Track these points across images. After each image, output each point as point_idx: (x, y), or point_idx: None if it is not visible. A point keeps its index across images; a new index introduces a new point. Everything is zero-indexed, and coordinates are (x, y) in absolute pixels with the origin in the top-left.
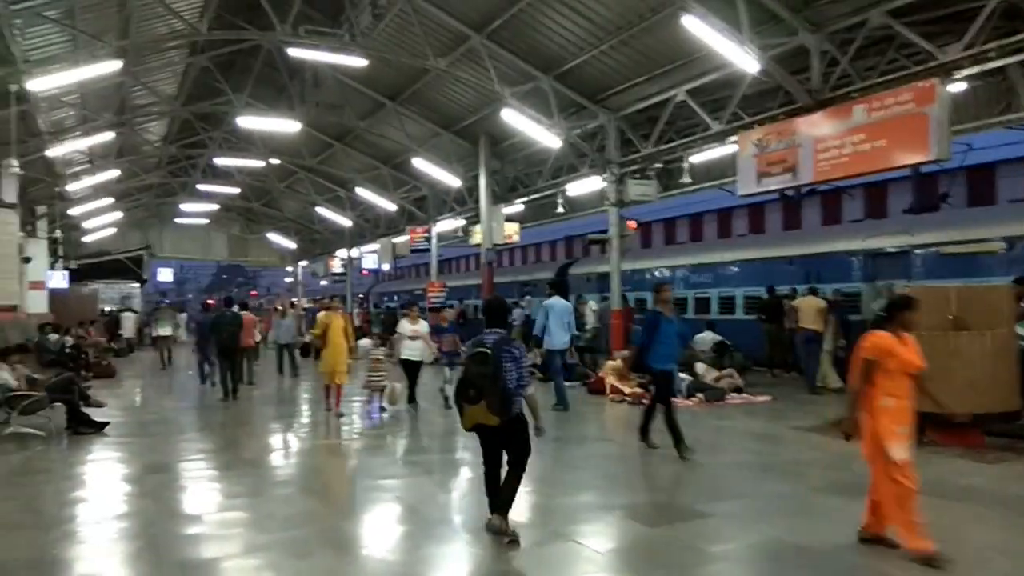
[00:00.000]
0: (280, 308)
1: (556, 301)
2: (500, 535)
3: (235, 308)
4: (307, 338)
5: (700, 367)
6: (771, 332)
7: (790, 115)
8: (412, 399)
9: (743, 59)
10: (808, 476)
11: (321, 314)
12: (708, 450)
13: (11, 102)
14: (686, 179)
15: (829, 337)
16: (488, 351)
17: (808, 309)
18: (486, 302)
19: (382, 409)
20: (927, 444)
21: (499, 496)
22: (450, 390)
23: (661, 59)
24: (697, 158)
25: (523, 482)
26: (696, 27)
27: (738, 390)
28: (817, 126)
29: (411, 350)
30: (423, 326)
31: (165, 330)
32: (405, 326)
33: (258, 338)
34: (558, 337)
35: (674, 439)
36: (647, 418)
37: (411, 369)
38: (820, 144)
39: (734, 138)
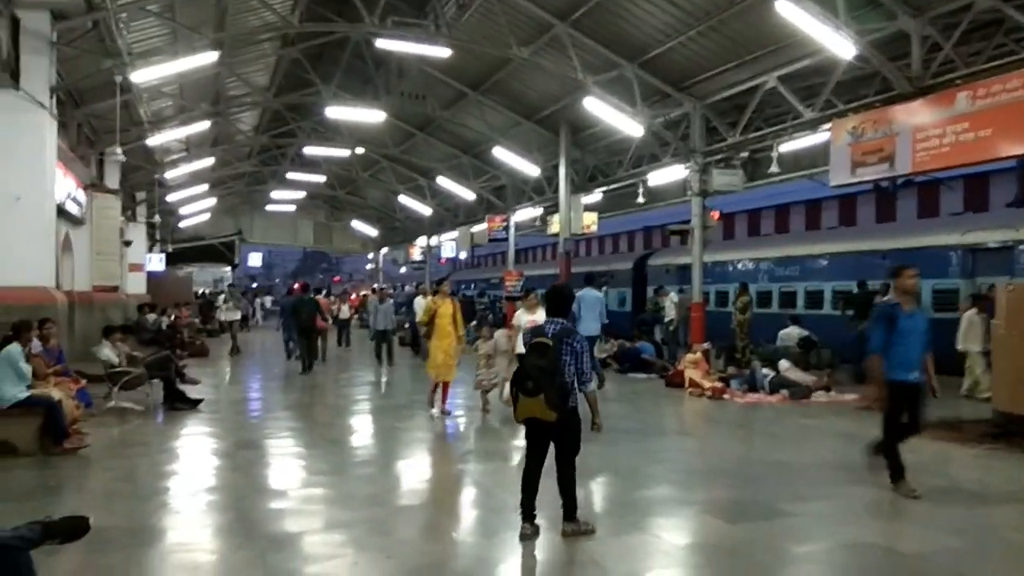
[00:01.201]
0: (375, 293)
1: (587, 292)
2: (577, 536)
3: (312, 294)
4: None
5: (784, 363)
6: (861, 328)
7: (887, 103)
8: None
9: (839, 44)
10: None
11: (427, 299)
12: (792, 449)
13: (116, 92)
14: (774, 168)
15: (978, 338)
16: (548, 343)
17: None
18: (550, 289)
19: (444, 412)
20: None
21: (563, 503)
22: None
23: (751, 45)
24: (786, 147)
25: (601, 474)
26: (790, 12)
27: (826, 388)
28: (916, 114)
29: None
30: (542, 315)
31: (232, 315)
32: (522, 316)
33: (330, 321)
34: (587, 325)
35: (891, 471)
36: (890, 452)
37: None
38: (919, 133)
39: (827, 126)
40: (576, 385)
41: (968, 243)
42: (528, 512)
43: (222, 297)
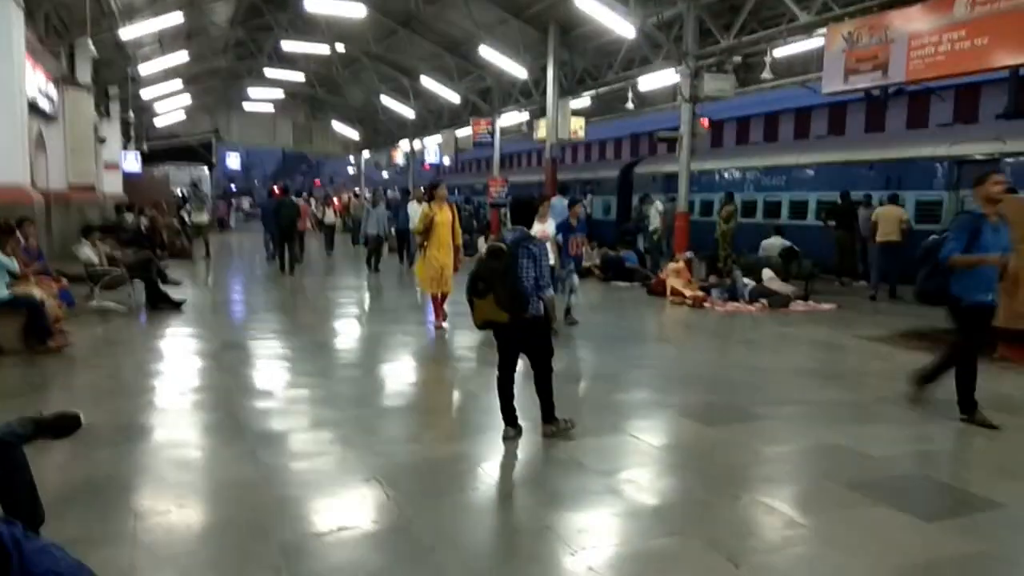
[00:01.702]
0: (360, 197)
1: (557, 201)
2: (557, 436)
3: (292, 197)
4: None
5: (767, 273)
6: (841, 239)
7: (885, 7)
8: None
9: None
10: (871, 385)
11: (423, 206)
12: (768, 356)
13: None
14: (766, 74)
15: None
16: (503, 247)
17: (889, 219)
18: (512, 199)
19: (439, 327)
20: (997, 360)
21: (516, 416)
22: (574, 301)
23: None
24: (779, 52)
25: (582, 378)
26: None
27: (803, 298)
28: (913, 20)
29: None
30: (551, 226)
31: (200, 218)
32: (533, 226)
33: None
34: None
35: (964, 402)
36: (967, 381)
37: None
38: (915, 40)
39: (822, 31)
40: (534, 289)
41: (955, 155)
42: (508, 415)
43: (188, 202)
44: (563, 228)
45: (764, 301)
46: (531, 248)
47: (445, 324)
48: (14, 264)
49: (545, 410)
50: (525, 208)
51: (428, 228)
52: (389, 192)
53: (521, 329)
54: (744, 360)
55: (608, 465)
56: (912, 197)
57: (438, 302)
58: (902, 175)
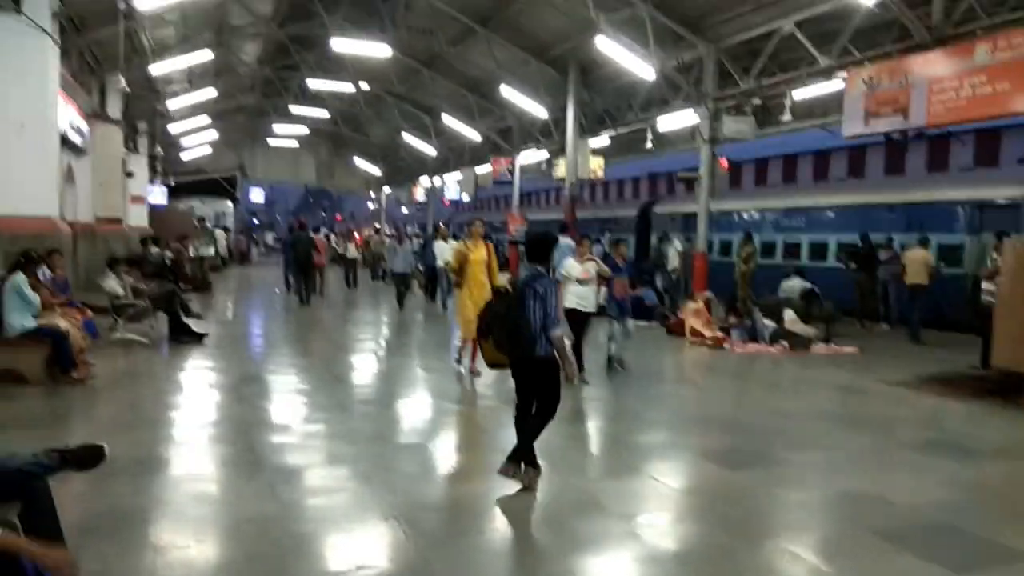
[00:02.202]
0: (380, 232)
1: (561, 240)
2: (511, 478)
3: (309, 232)
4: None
5: (788, 314)
6: (862, 282)
7: (904, 52)
8: (580, 365)
9: None
10: (895, 431)
11: (458, 244)
12: (790, 399)
13: (118, 19)
14: (786, 117)
15: None
16: (508, 288)
17: (916, 262)
18: (529, 236)
19: (474, 372)
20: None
21: (517, 442)
22: (615, 348)
23: None
24: (799, 95)
25: (601, 417)
26: None
27: (825, 340)
28: (934, 65)
29: (581, 298)
30: (592, 266)
31: (207, 250)
32: (573, 265)
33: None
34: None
35: None
36: None
37: (579, 324)
38: (936, 85)
39: (842, 75)
40: (541, 330)
41: (977, 199)
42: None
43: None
44: (611, 271)
45: (785, 343)
46: (536, 287)
47: (479, 369)
48: (37, 302)
49: (518, 449)
50: (540, 245)
51: (463, 267)
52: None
53: (529, 369)
54: (765, 403)
55: (628, 508)
56: (934, 240)
57: (475, 347)
58: (924, 218)
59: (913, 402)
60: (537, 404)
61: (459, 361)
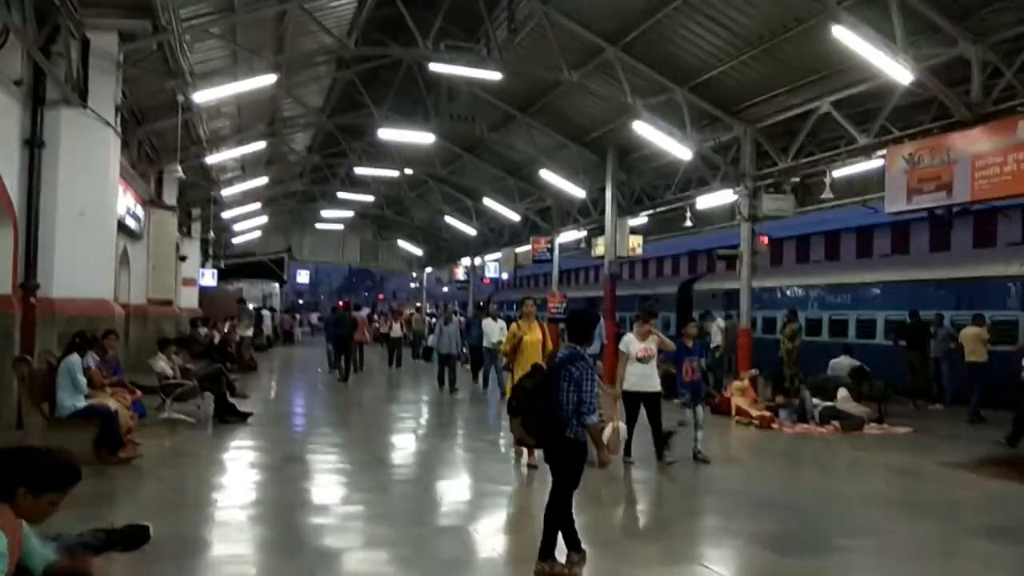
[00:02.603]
0: (422, 311)
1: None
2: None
3: (351, 311)
4: (429, 341)
5: (842, 392)
6: (913, 360)
7: (945, 130)
8: (628, 450)
9: (896, 70)
10: (956, 516)
11: (513, 324)
12: (844, 482)
13: (177, 111)
14: (827, 194)
15: None
16: (542, 365)
17: (972, 339)
18: (569, 314)
19: (532, 465)
20: None
21: (578, 538)
22: (700, 437)
23: (804, 70)
24: (839, 173)
25: (647, 501)
26: (846, 37)
27: (878, 420)
28: (976, 142)
29: (641, 376)
30: (654, 341)
31: (245, 332)
32: (631, 341)
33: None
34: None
35: None
36: None
37: (642, 404)
38: (979, 161)
39: (881, 152)
40: (574, 414)
41: None
42: (567, 540)
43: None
44: (679, 351)
45: (836, 423)
46: (572, 369)
47: (534, 460)
48: (84, 387)
49: (545, 543)
50: (582, 324)
51: (515, 349)
52: (450, 306)
53: (554, 452)
54: (817, 486)
55: None
56: (986, 317)
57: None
58: (973, 294)
59: (974, 485)
60: (555, 483)
61: (521, 455)
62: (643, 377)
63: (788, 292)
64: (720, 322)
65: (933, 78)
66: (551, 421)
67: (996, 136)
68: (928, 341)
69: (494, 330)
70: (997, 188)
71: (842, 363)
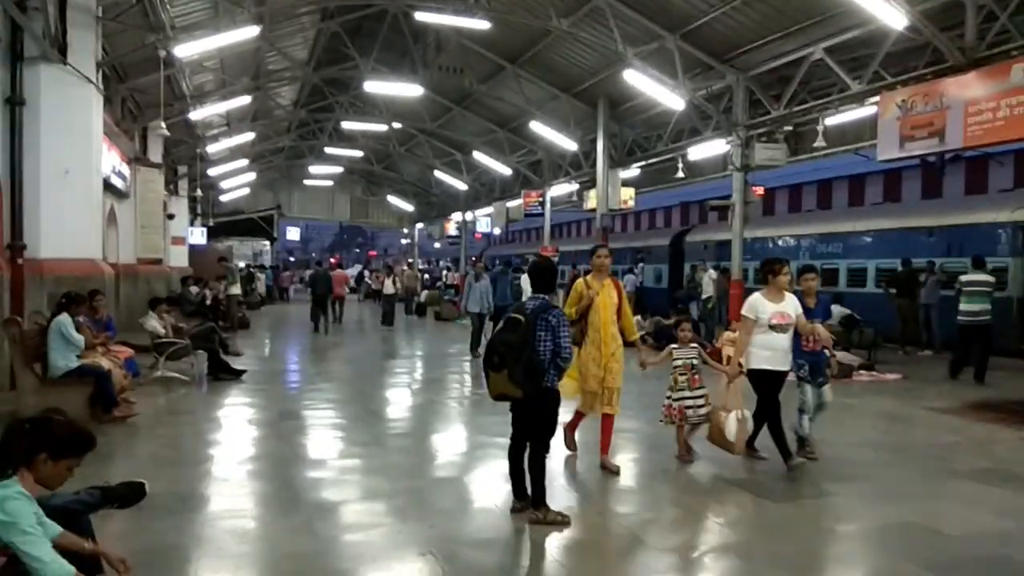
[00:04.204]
0: (413, 267)
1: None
2: (545, 525)
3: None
4: (422, 297)
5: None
6: (904, 307)
7: (938, 75)
8: (784, 450)
9: (889, 14)
10: (944, 460)
11: (579, 281)
12: (834, 428)
13: (159, 67)
14: (819, 143)
15: None
16: (520, 318)
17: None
18: (532, 265)
19: (611, 468)
20: None
21: (529, 487)
22: (807, 425)
23: (797, 15)
24: (831, 121)
25: (640, 449)
26: None
27: (868, 367)
28: (969, 87)
29: (773, 351)
30: (793, 304)
31: (234, 289)
32: (761, 303)
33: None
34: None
35: None
36: None
37: (772, 388)
38: (972, 107)
39: (874, 99)
40: (550, 363)
41: (1018, 220)
42: (517, 487)
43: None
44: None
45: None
46: (549, 319)
47: (614, 465)
48: (80, 342)
49: (536, 493)
50: (545, 274)
51: (583, 315)
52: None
53: (532, 401)
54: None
55: (670, 542)
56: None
57: (606, 429)
58: (964, 241)
59: (962, 430)
60: (533, 434)
61: (574, 446)
62: (778, 352)
63: (780, 242)
64: (712, 272)
65: (927, 22)
66: (533, 373)
67: (989, 81)
68: (918, 289)
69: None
70: (989, 134)
71: (833, 312)
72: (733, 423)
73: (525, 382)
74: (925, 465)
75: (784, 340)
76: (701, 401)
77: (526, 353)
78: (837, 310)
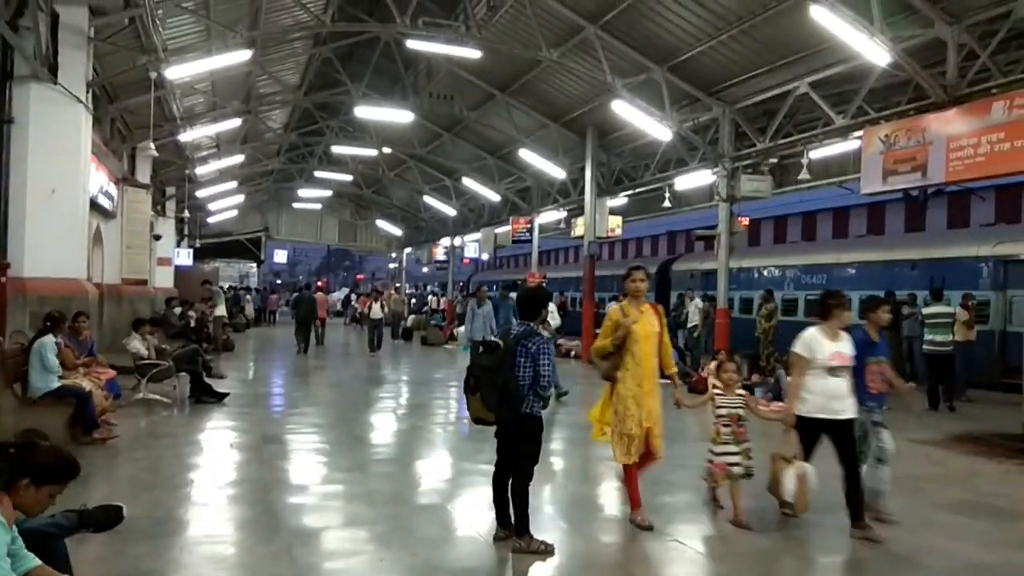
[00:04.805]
0: (400, 292)
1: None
2: (528, 554)
3: (312, 292)
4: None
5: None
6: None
7: (921, 111)
8: (857, 515)
9: (873, 51)
10: (926, 491)
11: (613, 308)
12: (816, 458)
13: (150, 88)
14: (804, 175)
15: None
16: (499, 343)
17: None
18: (520, 291)
19: (645, 524)
20: None
21: (510, 516)
22: (884, 474)
23: (783, 50)
24: (816, 154)
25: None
26: (824, 18)
27: None
28: (951, 123)
29: (832, 398)
30: (850, 344)
31: (219, 311)
32: (817, 340)
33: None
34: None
35: None
36: None
37: (839, 437)
38: (953, 143)
39: (858, 134)
40: (530, 390)
41: (1000, 255)
42: (499, 516)
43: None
44: (860, 347)
45: None
46: (528, 346)
47: (646, 520)
48: (55, 367)
49: (519, 521)
50: (533, 301)
51: (620, 345)
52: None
53: (513, 427)
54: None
55: (655, 572)
56: (958, 297)
57: (633, 477)
58: (947, 274)
59: (943, 461)
60: (514, 462)
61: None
62: (833, 398)
63: (765, 272)
64: (698, 302)
65: (909, 59)
66: (509, 398)
67: (971, 118)
68: (901, 321)
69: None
70: (971, 169)
71: None
72: (791, 480)
73: (499, 406)
74: (909, 496)
75: (843, 386)
76: (747, 457)
77: (500, 377)
78: None
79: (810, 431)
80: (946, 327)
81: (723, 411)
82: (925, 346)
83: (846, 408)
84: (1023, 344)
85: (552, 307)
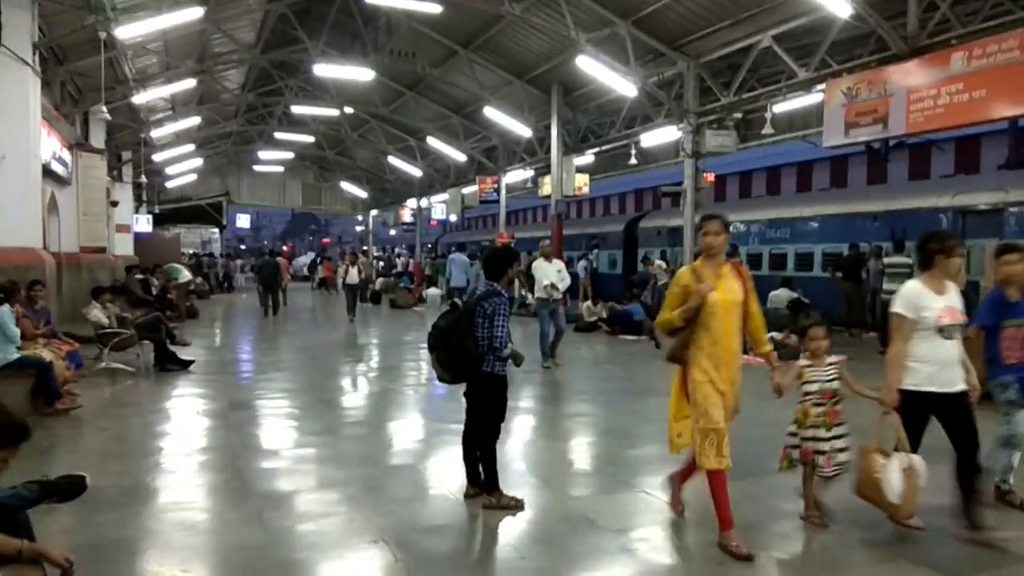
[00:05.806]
0: (368, 255)
1: (457, 255)
2: (498, 510)
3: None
4: (376, 284)
5: (776, 335)
6: (849, 290)
7: (882, 63)
8: (972, 520)
9: (834, 3)
10: (886, 438)
11: (683, 271)
12: (780, 409)
13: (100, 49)
14: (768, 130)
15: None
16: (458, 303)
17: None
18: (486, 252)
19: (742, 552)
20: None
21: (480, 473)
22: (1013, 460)
23: (746, 2)
24: (779, 108)
25: (592, 433)
26: None
27: None
28: (911, 75)
29: (943, 366)
30: (954, 298)
31: (183, 277)
32: (922, 296)
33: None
34: (457, 278)
35: None
36: None
37: (945, 418)
38: (914, 94)
39: (821, 87)
40: (488, 350)
41: (959, 206)
42: (469, 474)
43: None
44: (992, 307)
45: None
46: (485, 305)
47: (743, 546)
48: (16, 336)
49: (488, 479)
50: (493, 260)
51: (691, 318)
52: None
53: (474, 384)
54: (756, 413)
55: (621, 523)
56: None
57: (723, 487)
58: (907, 226)
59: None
60: (482, 421)
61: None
62: (946, 366)
63: (730, 228)
64: (661, 263)
65: (871, 11)
66: (467, 358)
67: (930, 69)
68: (863, 272)
69: (549, 272)
70: (930, 120)
71: (780, 295)
72: (896, 475)
73: (451, 366)
74: (865, 441)
75: (955, 348)
76: (841, 444)
77: (453, 338)
78: (785, 294)
79: (918, 410)
80: (904, 276)
81: (813, 387)
82: (883, 295)
83: (959, 378)
84: (979, 292)
85: (560, 265)
